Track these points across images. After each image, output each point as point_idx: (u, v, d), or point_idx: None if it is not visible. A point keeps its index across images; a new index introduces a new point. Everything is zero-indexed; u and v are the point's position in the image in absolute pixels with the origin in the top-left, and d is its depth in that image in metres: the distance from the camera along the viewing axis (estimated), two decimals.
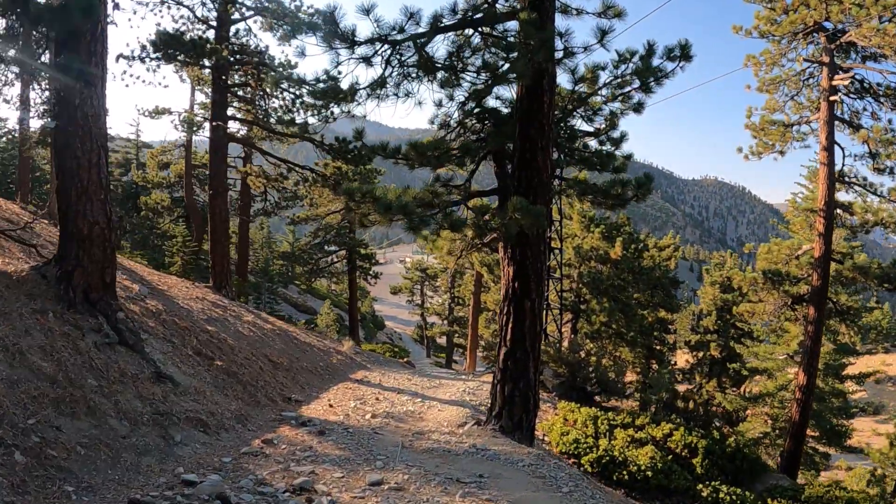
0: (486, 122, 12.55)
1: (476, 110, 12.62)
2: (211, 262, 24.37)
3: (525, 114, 10.94)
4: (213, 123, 23.52)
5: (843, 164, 21.97)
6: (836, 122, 21.59)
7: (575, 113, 12.52)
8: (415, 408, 14.89)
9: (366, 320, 67.98)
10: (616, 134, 13.05)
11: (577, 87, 12.63)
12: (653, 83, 11.92)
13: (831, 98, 21.04)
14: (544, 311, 27.04)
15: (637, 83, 11.94)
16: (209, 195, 24.59)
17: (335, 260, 37.32)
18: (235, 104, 26.30)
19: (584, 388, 21.41)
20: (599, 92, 12.43)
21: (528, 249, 10.97)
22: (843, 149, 21.93)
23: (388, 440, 10.96)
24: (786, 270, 23.62)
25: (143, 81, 24.32)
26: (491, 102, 12.96)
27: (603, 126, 12.79)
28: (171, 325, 13.88)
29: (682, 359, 39.60)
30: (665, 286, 33.49)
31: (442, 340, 63.51)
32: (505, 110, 12.57)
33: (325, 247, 36.50)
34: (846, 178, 22.33)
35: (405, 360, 37.93)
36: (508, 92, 12.23)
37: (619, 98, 12.15)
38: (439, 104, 12.60)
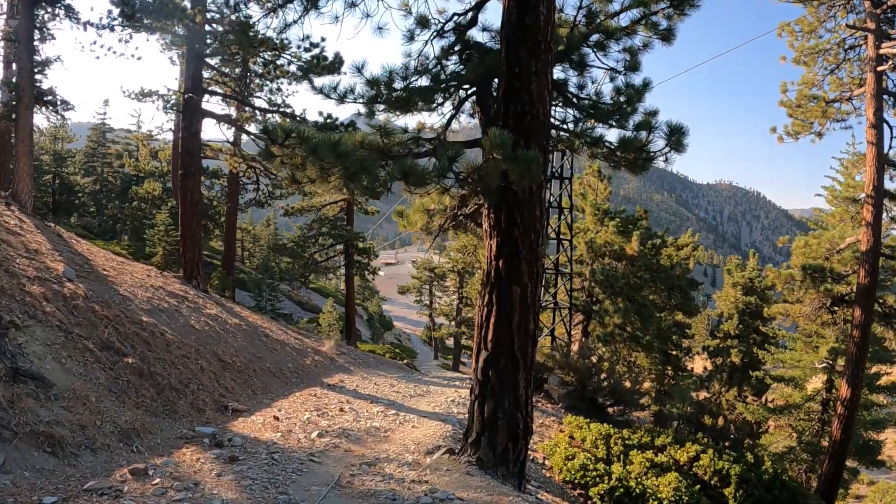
0: (472, 60, 9.39)
1: (457, 47, 9.52)
2: (181, 250, 21.36)
3: (514, 28, 7.77)
4: (185, 95, 20.57)
5: (891, 147, 18.65)
6: (885, 97, 18.26)
7: (584, 45, 9.25)
8: (383, 423, 11.82)
9: (373, 320, 65.13)
10: (637, 80, 9.75)
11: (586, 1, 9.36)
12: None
13: (878, 68, 17.70)
14: (553, 311, 23.80)
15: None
16: (180, 175, 21.62)
17: (332, 254, 34.18)
18: (215, 80, 23.32)
19: (594, 398, 18.26)
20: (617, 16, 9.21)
21: (516, 213, 7.85)
22: (891, 128, 18.64)
23: (323, 474, 7.89)
24: (828, 266, 20.26)
25: (115, 53, 20.94)
26: (477, 37, 9.86)
27: (620, 65, 9.54)
28: (83, 313, 11.01)
29: (698, 366, 36.70)
30: (683, 287, 30.29)
31: (451, 342, 60.42)
32: (496, 47, 9.40)
33: (320, 240, 33.37)
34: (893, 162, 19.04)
35: (405, 361, 34.87)
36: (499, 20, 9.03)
37: (643, 22, 8.92)
38: (410, 37, 9.54)
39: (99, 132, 49.62)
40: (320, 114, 21.24)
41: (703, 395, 29.79)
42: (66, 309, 10.82)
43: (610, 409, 18.74)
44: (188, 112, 20.72)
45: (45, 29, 19.35)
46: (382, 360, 26.77)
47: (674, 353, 30.81)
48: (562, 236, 23.62)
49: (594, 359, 19.15)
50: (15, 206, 17.00)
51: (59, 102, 22.56)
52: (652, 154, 8.67)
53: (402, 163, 7.09)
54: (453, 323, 55.96)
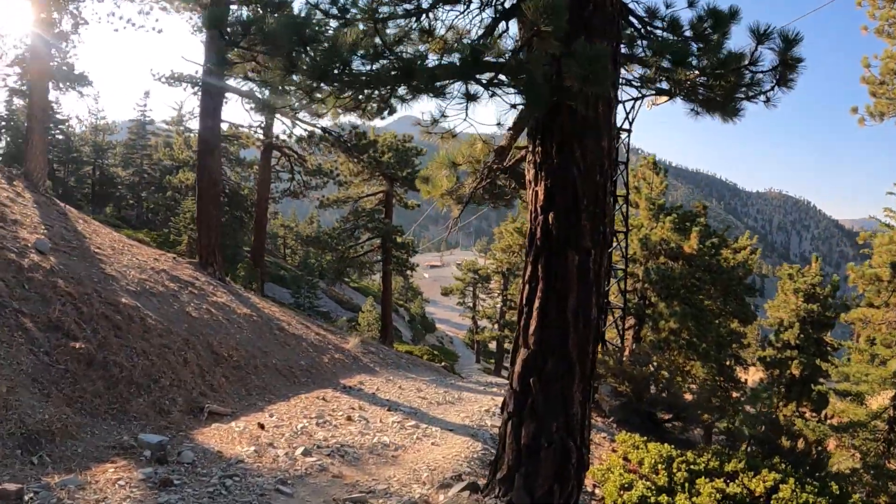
0: None
1: None
2: (197, 234, 19.25)
3: None
4: (205, 66, 18.46)
5: None
6: None
7: None
8: (396, 437, 9.38)
9: (415, 321, 63.00)
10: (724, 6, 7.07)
11: None
12: None
13: None
14: (605, 308, 21.14)
15: None
16: (198, 152, 19.54)
17: (368, 248, 31.86)
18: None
19: (651, 412, 15.64)
20: None
21: (574, 143, 5.35)
22: None
23: None
24: None
25: (133, 24, 19.06)
26: None
27: None
28: (38, 287, 9.08)
29: (751, 377, 33.75)
30: (739, 293, 27.34)
31: (493, 345, 57.92)
32: None
33: (357, 233, 31.06)
34: None
35: (443, 364, 32.45)
36: None
37: None
38: None
39: (139, 124, 48.28)
40: None
41: (756, 409, 27.01)
42: (16, 281, 8.79)
43: (667, 425, 16.12)
44: (207, 83, 18.60)
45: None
46: (417, 362, 24.37)
47: (727, 363, 27.95)
48: (616, 228, 20.94)
49: (652, 367, 16.49)
50: (21, 182, 15.15)
51: (76, 77, 20.79)
52: (757, 79, 6.05)
53: (407, 60, 4.64)
54: (496, 326, 53.66)
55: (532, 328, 5.47)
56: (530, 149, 5.81)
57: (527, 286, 5.61)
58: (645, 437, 12.48)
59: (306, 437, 8.55)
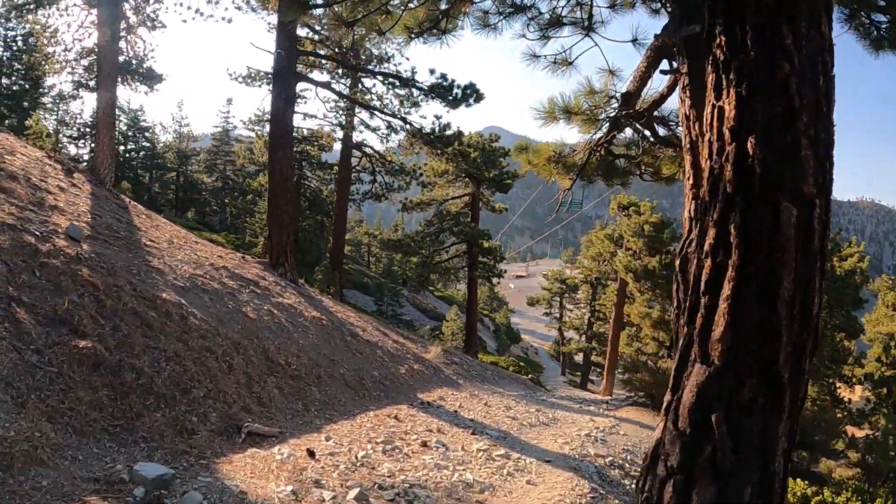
0: None
1: None
2: (268, 232, 17.69)
3: None
4: (276, 52, 16.87)
5: None
6: None
7: None
8: (482, 473, 7.33)
9: (500, 332, 60.85)
10: None
11: None
12: None
13: None
14: None
15: None
16: (269, 146, 17.99)
17: (453, 254, 29.92)
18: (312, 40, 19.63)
19: None
20: None
21: (783, 23, 3.10)
22: None
23: None
24: None
25: (202, 14, 17.79)
26: None
27: None
28: (52, 274, 7.60)
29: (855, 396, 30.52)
30: (846, 304, 24.20)
31: (579, 357, 55.22)
32: None
33: (441, 237, 29.16)
34: None
35: (530, 377, 30.17)
36: None
37: None
38: None
39: (222, 131, 47.94)
40: (431, 72, 17.04)
41: (862, 431, 23.98)
42: (24, 265, 7.20)
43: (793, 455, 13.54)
44: (278, 72, 17.03)
45: None
46: (503, 374, 22.24)
47: (831, 380, 24.88)
48: None
49: None
50: (85, 175, 13.89)
51: (144, 73, 19.61)
52: None
53: None
54: (583, 338, 51.14)
55: (718, 330, 3.20)
56: (686, 66, 3.69)
57: (707, 260, 3.35)
58: None
59: (367, 470, 6.56)
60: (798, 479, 10.64)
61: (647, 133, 5.86)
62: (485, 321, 63.26)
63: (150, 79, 19.95)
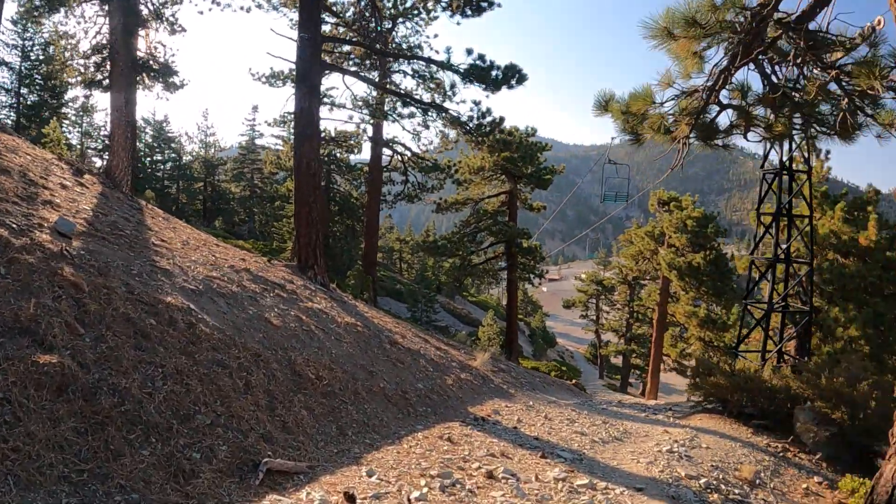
0: None
1: None
2: (295, 233, 16.11)
3: None
4: (300, 36, 15.31)
5: None
6: None
7: None
8: None
9: (535, 335, 59.03)
10: None
11: None
12: None
13: None
14: (781, 315, 16.72)
15: None
16: (294, 139, 16.44)
17: (491, 255, 28.15)
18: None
19: (864, 446, 11.30)
20: None
21: None
22: None
23: None
24: None
25: (219, 5, 16.39)
26: None
27: None
28: (23, 272, 6.01)
29: None
30: None
31: (617, 360, 53.22)
32: None
33: (478, 237, 27.40)
34: None
35: (573, 382, 28.26)
36: None
37: None
38: None
39: (249, 139, 46.72)
40: (468, 52, 15.33)
41: None
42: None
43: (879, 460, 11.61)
44: (301, 60, 15.45)
45: None
46: (548, 380, 20.44)
47: None
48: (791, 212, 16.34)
49: (865, 386, 11.88)
50: (97, 178, 12.49)
51: (160, 68, 18.20)
52: None
53: None
54: (622, 340, 49.04)
55: None
56: None
57: None
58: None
59: None
60: None
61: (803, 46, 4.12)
62: (520, 325, 61.43)
63: (167, 76, 18.56)
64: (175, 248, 10.11)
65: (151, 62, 17.73)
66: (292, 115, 17.27)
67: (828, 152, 22.89)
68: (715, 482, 7.68)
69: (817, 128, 5.82)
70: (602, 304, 55.22)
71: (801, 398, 12.14)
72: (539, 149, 26.13)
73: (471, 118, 16.43)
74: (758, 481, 8.42)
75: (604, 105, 5.72)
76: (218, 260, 10.83)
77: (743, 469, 8.60)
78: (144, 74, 18.00)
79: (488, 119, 16.17)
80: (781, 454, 10.37)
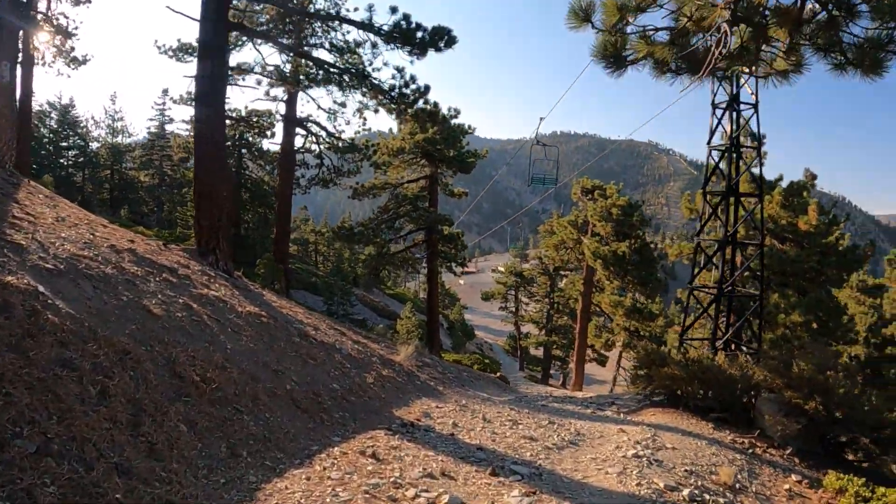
0: None
1: None
2: (195, 213, 14.05)
3: None
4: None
5: None
6: None
7: None
8: None
9: (454, 328, 57.78)
10: None
11: None
12: None
13: None
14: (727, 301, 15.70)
15: None
16: (195, 105, 14.41)
17: (410, 243, 26.44)
18: None
19: (837, 437, 10.27)
20: None
21: None
22: None
23: None
24: None
25: None
26: None
27: None
28: None
29: None
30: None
31: (537, 352, 52.49)
32: None
33: (397, 223, 25.62)
34: None
35: (497, 375, 27.00)
36: None
37: None
38: None
39: (159, 123, 43.66)
40: (393, 10, 13.63)
41: None
42: None
43: (855, 457, 10.73)
44: (204, 18, 13.37)
45: None
46: (474, 374, 19.04)
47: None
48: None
49: (838, 374, 10.85)
50: None
51: (57, 30, 15.88)
52: None
53: None
54: (542, 332, 48.21)
55: None
56: None
57: None
58: (865, 479, 7.56)
59: None
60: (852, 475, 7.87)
61: None
62: (439, 318, 60.06)
63: (65, 37, 16.18)
64: (43, 224, 8.16)
65: (45, 25, 15.43)
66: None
67: (764, 137, 22.20)
68: (697, 492, 6.39)
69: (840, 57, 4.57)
70: (521, 296, 54.39)
71: (761, 387, 11.08)
72: (462, 131, 24.64)
73: (393, 87, 14.77)
74: (738, 486, 7.19)
75: (583, 14, 4.25)
76: (97, 239, 8.87)
77: (721, 473, 7.36)
78: (44, 50, 15.68)
79: (413, 87, 14.54)
80: (750, 451, 9.24)
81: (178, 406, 5.53)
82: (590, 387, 47.55)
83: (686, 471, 7.29)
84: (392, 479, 5.47)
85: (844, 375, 10.32)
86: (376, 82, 14.51)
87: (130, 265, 8.51)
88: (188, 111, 31.73)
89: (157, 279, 8.65)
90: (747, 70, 11.59)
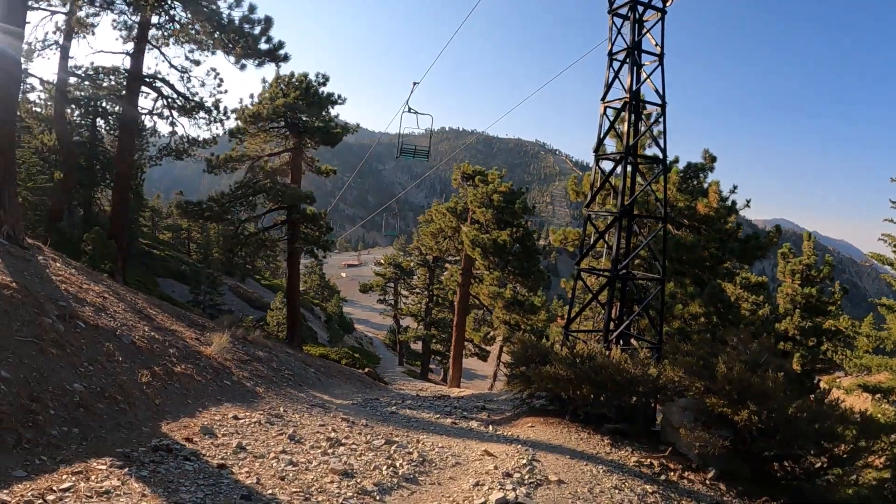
0: None
1: None
2: None
3: None
4: None
5: None
6: None
7: None
8: None
9: (332, 321, 54.82)
10: None
11: None
12: None
13: None
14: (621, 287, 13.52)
15: None
16: None
17: (270, 224, 23.24)
18: None
19: (764, 454, 8.23)
20: None
21: None
22: None
23: None
24: None
25: None
26: None
27: None
28: None
29: None
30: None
31: (417, 346, 50.31)
32: None
33: (254, 200, 22.28)
34: None
35: (366, 370, 24.46)
36: None
37: None
38: None
39: None
40: None
41: None
42: None
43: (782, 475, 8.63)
44: None
45: None
46: (332, 370, 16.48)
47: None
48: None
49: (779, 374, 8.69)
50: None
51: None
52: None
53: None
54: (421, 325, 45.98)
55: None
56: None
57: None
58: None
59: None
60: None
61: None
62: (315, 311, 57.22)
63: None
64: None
65: None
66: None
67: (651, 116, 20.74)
68: None
69: None
70: (401, 289, 52.06)
71: (669, 391, 8.91)
72: (330, 101, 21.79)
73: (231, 18, 11.83)
74: None
75: None
76: None
77: None
78: None
79: (255, 16, 11.68)
80: (662, 477, 7.06)
81: None
82: (471, 382, 45.75)
83: None
84: None
85: (784, 377, 8.25)
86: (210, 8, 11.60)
87: None
88: None
89: None
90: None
